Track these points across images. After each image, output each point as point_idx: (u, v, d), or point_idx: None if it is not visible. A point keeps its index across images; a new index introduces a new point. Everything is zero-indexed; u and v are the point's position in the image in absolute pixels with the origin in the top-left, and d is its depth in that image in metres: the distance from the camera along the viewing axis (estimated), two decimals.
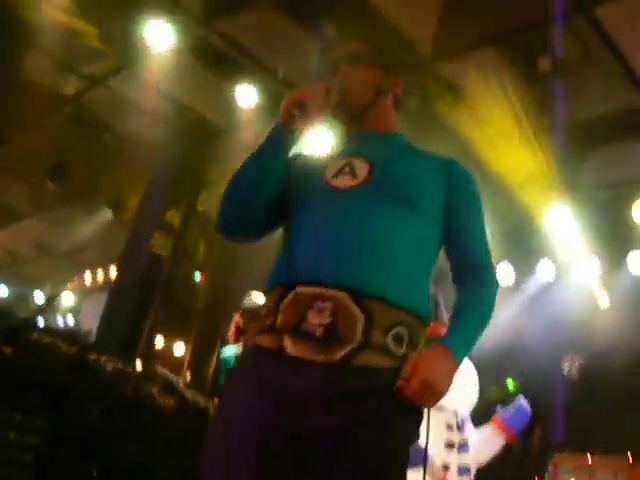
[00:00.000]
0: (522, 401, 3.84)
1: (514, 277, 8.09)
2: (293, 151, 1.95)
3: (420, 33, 5.81)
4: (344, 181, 1.87)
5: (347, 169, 1.90)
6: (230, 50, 6.31)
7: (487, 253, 1.97)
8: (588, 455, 5.64)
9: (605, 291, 7.44)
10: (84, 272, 14.13)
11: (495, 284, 1.95)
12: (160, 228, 8.30)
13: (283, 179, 1.92)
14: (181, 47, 6.36)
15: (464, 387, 3.72)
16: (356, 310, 1.68)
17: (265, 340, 1.75)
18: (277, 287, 1.79)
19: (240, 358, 1.93)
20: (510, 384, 6.56)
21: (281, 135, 1.88)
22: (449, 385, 1.73)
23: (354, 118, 2.03)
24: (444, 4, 5.88)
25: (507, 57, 6.45)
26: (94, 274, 13.97)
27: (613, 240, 7.28)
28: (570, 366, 7.10)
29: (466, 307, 1.89)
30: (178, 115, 7.49)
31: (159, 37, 6.17)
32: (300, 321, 1.70)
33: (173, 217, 8.39)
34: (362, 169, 1.89)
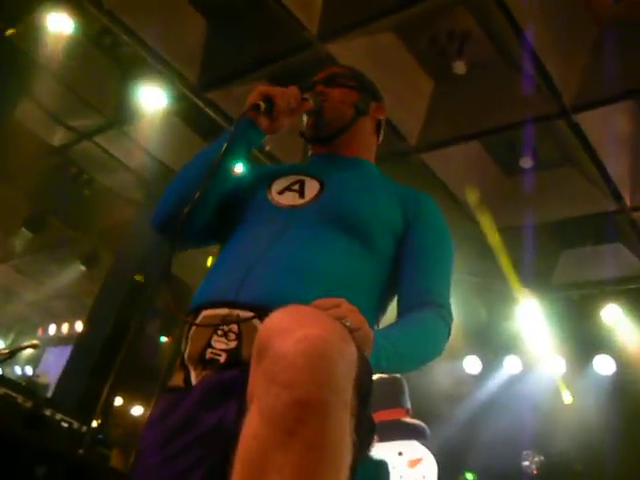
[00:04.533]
0: None
1: (480, 369, 8.10)
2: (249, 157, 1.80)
3: (409, 123, 5.95)
4: (288, 199, 1.73)
5: (296, 187, 1.75)
6: (220, 119, 6.40)
7: (446, 293, 1.71)
8: None
9: (569, 389, 7.46)
10: (49, 324, 13.91)
11: (449, 325, 1.67)
12: (131, 287, 8.23)
13: (229, 186, 1.77)
14: (171, 111, 6.46)
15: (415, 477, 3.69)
16: None
17: (175, 379, 1.58)
18: (190, 314, 1.60)
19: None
20: (469, 478, 6.48)
21: (240, 125, 1.73)
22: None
23: (326, 139, 1.89)
24: (433, 95, 6.04)
25: (490, 151, 6.61)
26: (59, 326, 13.75)
27: (581, 341, 7.34)
28: (529, 462, 7.04)
29: (407, 322, 1.61)
30: (161, 176, 7.53)
31: (151, 100, 6.26)
32: (205, 349, 1.51)
33: (145, 277, 8.33)
34: (312, 189, 1.74)
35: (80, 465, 5.01)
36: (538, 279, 6.93)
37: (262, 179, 1.83)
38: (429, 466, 3.75)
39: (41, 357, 14.00)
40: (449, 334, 1.67)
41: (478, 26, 5.41)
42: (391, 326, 1.57)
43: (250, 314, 1.48)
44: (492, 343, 7.74)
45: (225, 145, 1.67)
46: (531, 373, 7.74)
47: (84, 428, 5.47)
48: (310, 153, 1.96)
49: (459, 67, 5.62)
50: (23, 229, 9.06)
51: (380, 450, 3.30)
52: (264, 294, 1.50)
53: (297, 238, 1.62)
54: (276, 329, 1.11)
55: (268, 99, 1.72)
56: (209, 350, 1.50)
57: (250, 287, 1.53)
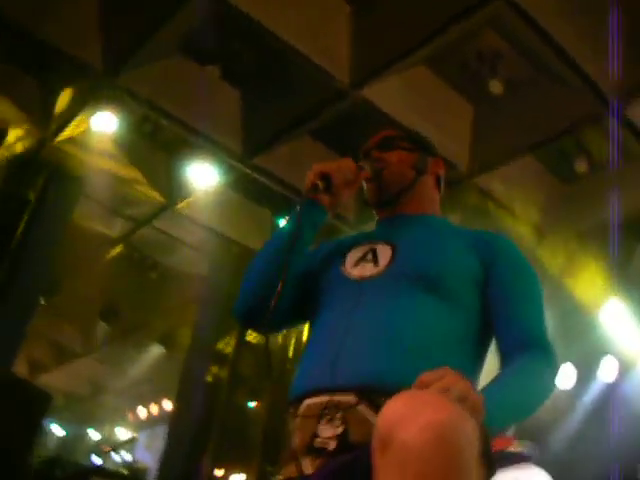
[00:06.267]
0: None
1: (575, 379, 7.83)
2: (318, 237, 1.80)
3: (455, 148, 5.92)
4: (364, 270, 1.69)
5: (369, 256, 1.72)
6: (269, 182, 6.48)
7: (543, 328, 1.64)
8: None
9: None
10: (137, 407, 14.11)
11: (554, 363, 1.59)
12: (213, 359, 8.33)
13: (304, 268, 1.76)
14: (221, 182, 6.57)
15: None
16: (367, 411, 1.44)
17: (287, 471, 1.54)
18: (291, 404, 1.60)
19: None
20: None
21: (303, 208, 1.74)
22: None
23: (390, 202, 1.87)
24: (474, 119, 6.01)
25: (543, 163, 6.53)
26: (147, 409, 13.93)
27: None
28: None
29: (510, 373, 1.54)
30: (222, 247, 7.65)
31: (200, 176, 6.40)
32: (313, 438, 1.49)
33: (225, 347, 8.42)
34: (385, 255, 1.70)
35: None
36: (619, 277, 6.74)
37: (334, 254, 1.82)
38: None
39: (135, 440, 14.19)
40: (555, 373, 1.61)
41: (507, 43, 5.39)
42: (494, 383, 1.50)
43: (351, 398, 1.47)
44: (583, 350, 7.47)
45: (293, 231, 1.70)
46: (629, 378, 7.46)
47: None
48: (377, 219, 1.95)
49: (495, 86, 5.60)
50: (100, 322, 9.28)
51: None
52: (360, 374, 1.49)
53: (379, 308, 1.60)
54: (396, 419, 1.09)
55: (325, 177, 1.73)
56: (317, 439, 1.48)
57: (344, 369, 1.52)
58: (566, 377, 7.71)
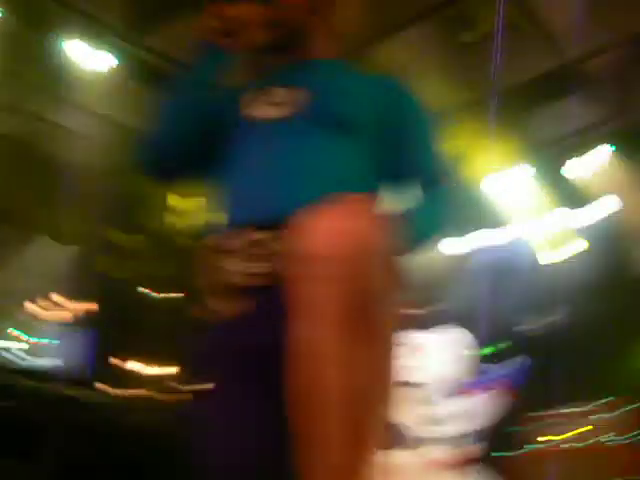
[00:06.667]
0: (520, 359, 3.97)
1: (466, 245, 8.22)
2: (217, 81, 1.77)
3: (346, 21, 5.87)
4: (272, 112, 1.71)
5: (273, 99, 1.74)
6: (161, 63, 6.26)
7: (442, 163, 1.82)
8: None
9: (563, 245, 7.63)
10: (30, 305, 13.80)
11: (457, 196, 1.82)
12: (111, 251, 8.20)
13: (208, 115, 1.75)
14: (114, 67, 6.27)
15: (440, 361, 3.84)
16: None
17: (215, 307, 1.58)
18: (213, 239, 1.63)
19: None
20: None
21: (203, 55, 1.74)
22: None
23: (285, 45, 1.84)
24: None
25: (432, 33, 6.61)
26: (42, 305, 13.66)
27: (558, 195, 7.49)
28: (532, 324, 7.27)
29: (422, 201, 1.73)
30: (116, 135, 7.39)
31: (89, 59, 6.09)
32: (237, 274, 1.53)
33: (121, 238, 8.31)
34: (289, 98, 1.72)
35: None
36: (506, 143, 7.01)
37: (234, 101, 1.79)
38: (452, 347, 3.89)
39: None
40: (456, 199, 1.80)
41: None
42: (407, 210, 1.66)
43: (274, 232, 1.50)
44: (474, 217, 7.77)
45: (197, 77, 1.73)
46: (519, 240, 7.88)
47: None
48: (271, 65, 1.90)
49: None
50: None
51: None
52: (281, 209, 1.49)
53: (294, 147, 1.64)
54: (309, 232, 1.15)
55: (225, 18, 1.70)
56: (238, 276, 1.52)
57: (264, 205, 1.56)
58: (454, 244, 8.09)
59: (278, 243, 1.48)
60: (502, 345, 5.43)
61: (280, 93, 1.74)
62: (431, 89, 6.37)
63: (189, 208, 8.09)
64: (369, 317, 1.10)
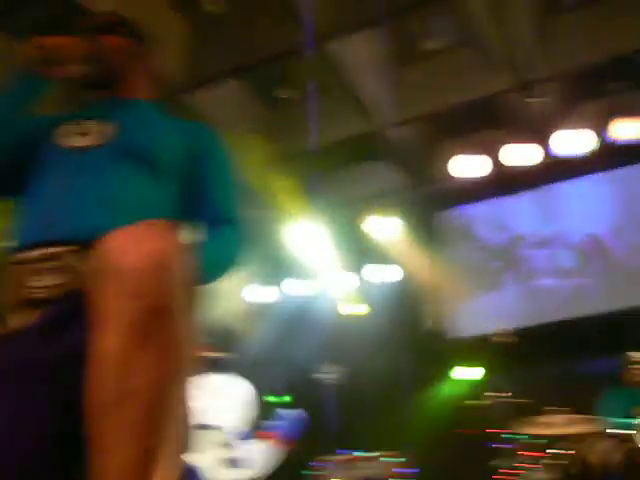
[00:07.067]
0: (293, 412, 4.09)
1: (268, 295, 8.36)
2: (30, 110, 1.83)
3: (170, 63, 5.91)
4: (83, 142, 1.78)
5: (84, 130, 1.81)
6: None
7: (235, 209, 1.93)
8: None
9: (354, 301, 7.98)
10: None
11: (243, 234, 1.90)
12: None
13: (18, 140, 1.80)
14: None
15: (234, 405, 3.90)
16: (82, 262, 1.54)
17: (10, 323, 1.58)
18: (9, 258, 1.66)
19: None
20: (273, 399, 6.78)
21: (21, 80, 1.80)
22: None
23: (105, 84, 1.94)
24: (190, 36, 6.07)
25: (249, 88, 6.82)
26: None
27: (354, 254, 7.86)
28: (330, 374, 7.49)
29: (207, 239, 1.82)
30: None
31: None
32: (30, 289, 1.56)
33: None
34: (101, 131, 1.80)
35: None
36: (310, 200, 7.25)
37: (49, 128, 1.85)
38: (241, 392, 3.95)
39: None
40: (244, 241, 1.90)
41: None
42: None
43: (66, 249, 1.56)
44: (274, 266, 7.94)
45: (10, 102, 1.77)
46: (318, 292, 8.13)
47: None
48: (87, 100, 1.99)
49: (212, 4, 5.71)
50: None
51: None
52: (78, 229, 1.58)
53: (97, 175, 1.71)
54: (118, 249, 1.22)
55: (47, 49, 1.78)
56: (35, 290, 1.55)
57: (61, 224, 1.61)
58: (256, 292, 8.22)
59: (72, 258, 1.54)
60: (286, 396, 5.58)
61: (91, 125, 1.81)
62: (243, 139, 6.59)
63: None
64: (162, 331, 1.18)
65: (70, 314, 1.46)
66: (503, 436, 4.96)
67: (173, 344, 1.19)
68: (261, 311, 8.16)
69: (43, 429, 1.44)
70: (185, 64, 6.02)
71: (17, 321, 1.55)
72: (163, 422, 1.18)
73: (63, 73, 1.82)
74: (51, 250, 1.56)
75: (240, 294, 8.00)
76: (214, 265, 1.77)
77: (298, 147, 6.94)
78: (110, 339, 1.17)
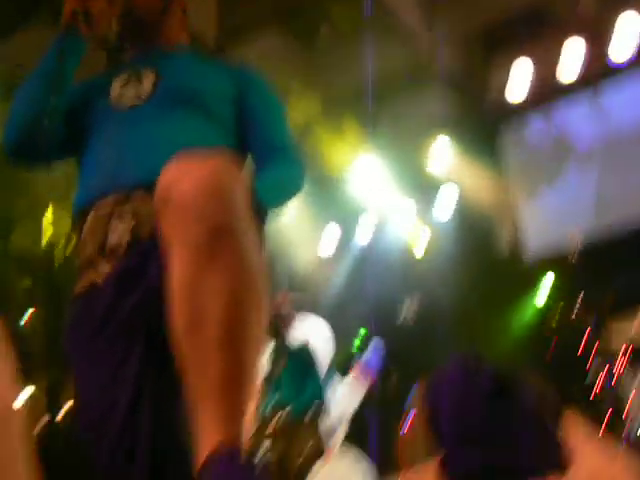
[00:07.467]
0: (375, 344, 4.10)
1: (338, 237, 8.33)
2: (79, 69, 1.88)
3: (202, 21, 5.90)
4: (130, 97, 1.83)
5: (133, 85, 1.85)
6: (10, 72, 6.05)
7: (287, 138, 1.97)
8: None
9: (423, 233, 7.88)
10: None
11: (299, 162, 1.94)
12: None
13: (71, 99, 1.85)
14: None
15: (315, 344, 3.94)
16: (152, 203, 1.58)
17: (85, 280, 1.67)
18: (79, 215, 1.73)
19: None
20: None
21: (63, 40, 1.83)
22: None
23: (140, 35, 2.00)
24: None
25: (290, 30, 6.74)
26: None
27: (419, 185, 7.75)
28: (407, 310, 7.48)
29: (266, 170, 1.85)
30: None
31: None
32: (105, 239, 1.63)
33: None
34: (148, 82, 1.85)
35: None
36: (366, 136, 7.17)
37: (96, 87, 1.91)
38: (316, 334, 3.99)
39: None
40: (302, 169, 1.93)
41: None
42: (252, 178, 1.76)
43: (135, 193, 1.63)
44: (340, 206, 7.89)
45: (56, 61, 1.79)
46: (385, 229, 8.05)
47: None
48: (128, 54, 2.05)
49: None
50: None
51: None
52: (141, 174, 1.64)
53: (151, 123, 1.77)
54: (173, 178, 1.24)
55: (83, 6, 1.80)
56: (109, 240, 1.61)
57: (126, 173, 1.67)
58: (327, 242, 8.20)
59: (141, 201, 1.61)
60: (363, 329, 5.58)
61: (139, 77, 1.86)
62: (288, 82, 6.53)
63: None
64: (229, 251, 1.19)
65: (144, 257, 1.52)
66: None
67: (242, 263, 1.20)
68: (333, 253, 8.15)
69: (135, 379, 1.53)
70: (215, 15, 6.00)
71: (95, 274, 1.62)
72: (244, 341, 1.19)
73: (99, 29, 1.84)
74: (120, 196, 1.63)
75: (312, 239, 8.00)
76: (276, 188, 1.82)
77: (348, 86, 6.83)
78: (179, 265, 1.20)
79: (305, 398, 3.53)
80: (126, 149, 1.72)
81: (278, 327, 3.61)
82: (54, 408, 8.87)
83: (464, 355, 1.68)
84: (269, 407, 3.40)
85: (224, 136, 1.85)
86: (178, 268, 1.20)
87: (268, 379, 3.42)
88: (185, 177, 1.21)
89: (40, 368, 9.41)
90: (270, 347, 3.55)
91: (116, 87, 1.86)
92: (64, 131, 1.83)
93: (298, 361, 3.66)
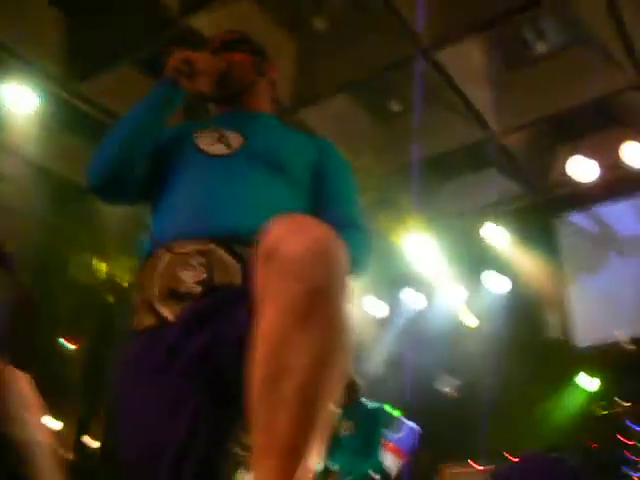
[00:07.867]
0: (409, 424, 4.06)
1: (384, 309, 8.39)
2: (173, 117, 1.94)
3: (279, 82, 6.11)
4: (218, 149, 1.89)
5: (221, 140, 1.91)
6: (91, 110, 6.34)
7: (359, 214, 1.99)
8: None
9: (470, 312, 7.89)
10: None
11: (368, 235, 1.95)
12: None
13: (157, 145, 1.91)
14: (41, 110, 6.30)
15: None
16: (228, 257, 1.64)
17: (144, 321, 1.68)
18: (148, 253, 1.75)
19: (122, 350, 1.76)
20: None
21: (165, 89, 1.91)
22: None
23: (233, 97, 2.07)
24: (297, 55, 6.24)
25: (360, 102, 6.92)
26: None
27: (470, 264, 7.78)
28: (449, 386, 7.42)
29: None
30: (40, 179, 7.35)
31: (18, 101, 6.08)
32: (175, 283, 1.65)
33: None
34: (235, 140, 1.91)
35: None
36: (423, 211, 7.26)
37: (184, 135, 1.97)
38: None
39: None
40: (370, 241, 1.94)
41: None
42: None
43: (212, 246, 1.65)
44: (387, 279, 7.93)
45: (153, 106, 1.89)
46: (433, 303, 8.09)
47: None
48: (215, 113, 2.14)
49: (319, 23, 5.86)
50: None
51: None
52: (225, 228, 1.69)
53: (236, 177, 1.82)
54: (281, 236, 1.27)
55: (188, 61, 1.90)
56: (182, 284, 1.64)
57: (209, 222, 1.71)
58: (376, 307, 8.26)
59: (219, 253, 1.64)
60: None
61: (226, 134, 1.93)
62: (355, 154, 6.69)
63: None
64: (323, 313, 1.21)
65: (215, 307, 1.56)
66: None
67: (334, 327, 1.22)
68: (378, 323, 8.19)
69: (192, 420, 1.54)
70: (294, 81, 6.22)
71: (164, 312, 1.64)
72: (317, 406, 1.20)
73: (199, 86, 1.93)
74: (198, 246, 1.65)
75: (359, 307, 8.05)
76: (354, 258, 1.80)
77: (409, 159, 6.96)
78: (272, 318, 1.21)
79: (365, 468, 3.52)
80: (210, 200, 1.76)
81: (351, 392, 3.59)
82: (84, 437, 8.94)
83: (543, 449, 1.67)
84: (330, 470, 3.38)
85: (305, 201, 1.91)
86: (269, 320, 1.22)
87: (335, 440, 3.38)
88: (294, 237, 1.25)
89: (76, 395, 9.51)
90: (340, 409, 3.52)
91: (207, 137, 1.92)
92: (147, 168, 1.89)
93: (371, 421, 3.64)
